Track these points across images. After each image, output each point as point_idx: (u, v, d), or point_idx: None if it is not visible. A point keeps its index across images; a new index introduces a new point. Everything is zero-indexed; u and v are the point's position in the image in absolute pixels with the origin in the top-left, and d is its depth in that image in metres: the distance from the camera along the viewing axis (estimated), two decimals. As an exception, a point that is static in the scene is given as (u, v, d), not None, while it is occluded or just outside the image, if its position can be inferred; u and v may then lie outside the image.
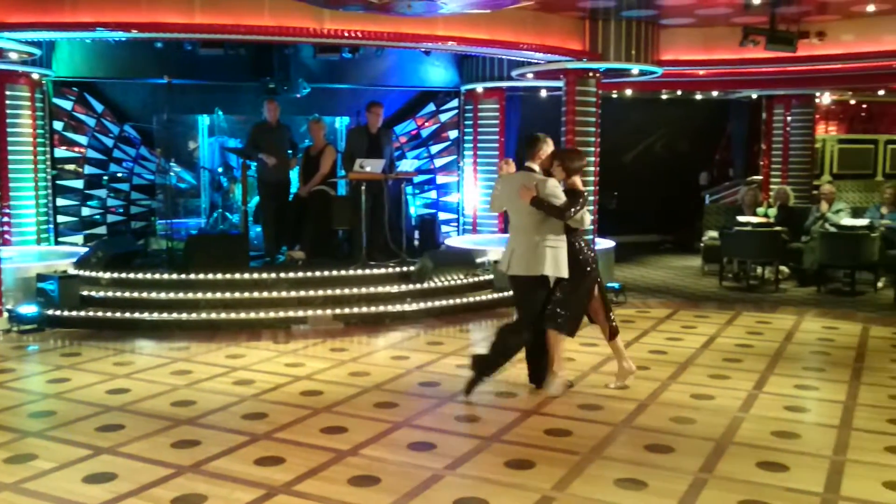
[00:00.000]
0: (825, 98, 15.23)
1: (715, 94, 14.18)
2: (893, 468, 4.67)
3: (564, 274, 5.92)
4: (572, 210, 5.84)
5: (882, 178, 15.69)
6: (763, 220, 11.06)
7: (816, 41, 9.44)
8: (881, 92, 15.08)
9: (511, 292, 6.52)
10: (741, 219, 10.92)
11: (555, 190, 5.88)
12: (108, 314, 8.34)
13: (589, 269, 6.04)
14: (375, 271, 9.25)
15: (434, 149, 12.59)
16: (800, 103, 14.13)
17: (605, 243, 10.85)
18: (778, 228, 10.77)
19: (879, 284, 10.59)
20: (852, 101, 15.88)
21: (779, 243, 10.65)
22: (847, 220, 10.61)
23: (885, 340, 7.93)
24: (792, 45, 9.00)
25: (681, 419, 5.54)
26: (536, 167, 6.03)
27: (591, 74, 9.84)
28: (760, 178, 14.80)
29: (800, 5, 8.80)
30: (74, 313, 8.34)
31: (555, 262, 5.90)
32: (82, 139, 10.95)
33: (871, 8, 8.87)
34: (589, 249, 6.14)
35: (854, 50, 9.62)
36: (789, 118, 14.19)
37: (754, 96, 14.53)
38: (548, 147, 6.08)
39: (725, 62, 10.27)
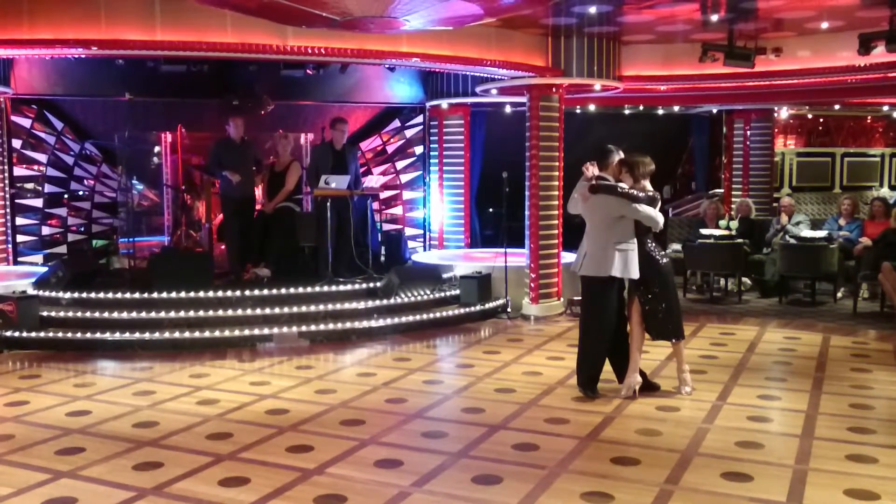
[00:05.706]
0: (783, 112, 15.52)
1: (676, 108, 14.38)
2: (854, 476, 4.75)
3: (634, 275, 6.22)
4: (636, 197, 6.19)
5: (839, 191, 16.03)
6: (725, 232, 11.20)
7: (773, 57, 9.62)
8: (836, 106, 15.44)
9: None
10: (704, 231, 11.06)
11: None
12: (69, 335, 8.19)
13: (663, 268, 6.34)
14: (341, 288, 9.21)
15: (400, 164, 12.59)
16: (759, 117, 14.37)
17: (571, 257, 10.88)
18: (740, 241, 10.92)
19: (839, 294, 10.76)
20: (809, 116, 16.20)
21: (741, 255, 10.80)
22: (806, 232, 10.78)
23: (845, 350, 8.06)
24: (749, 60, 9.17)
25: (646, 431, 5.58)
26: (608, 176, 6.39)
27: (553, 90, 9.92)
28: (722, 191, 15.01)
29: (757, 22, 8.97)
30: (34, 334, 8.16)
31: (624, 264, 6.21)
32: (42, 157, 10.77)
33: (824, 25, 9.09)
34: (660, 250, 6.48)
35: (809, 65, 9.80)
36: (749, 132, 14.42)
37: (715, 111, 14.76)
38: (616, 156, 6.49)
39: (685, 77, 10.42)
